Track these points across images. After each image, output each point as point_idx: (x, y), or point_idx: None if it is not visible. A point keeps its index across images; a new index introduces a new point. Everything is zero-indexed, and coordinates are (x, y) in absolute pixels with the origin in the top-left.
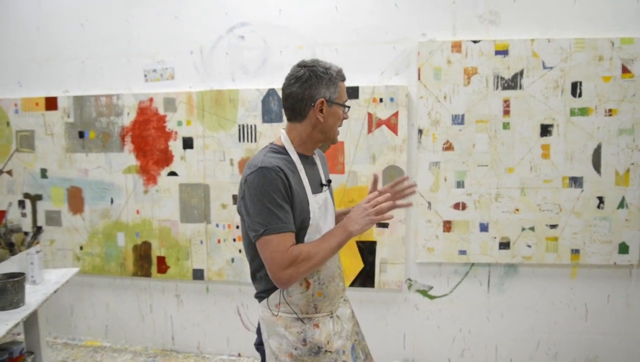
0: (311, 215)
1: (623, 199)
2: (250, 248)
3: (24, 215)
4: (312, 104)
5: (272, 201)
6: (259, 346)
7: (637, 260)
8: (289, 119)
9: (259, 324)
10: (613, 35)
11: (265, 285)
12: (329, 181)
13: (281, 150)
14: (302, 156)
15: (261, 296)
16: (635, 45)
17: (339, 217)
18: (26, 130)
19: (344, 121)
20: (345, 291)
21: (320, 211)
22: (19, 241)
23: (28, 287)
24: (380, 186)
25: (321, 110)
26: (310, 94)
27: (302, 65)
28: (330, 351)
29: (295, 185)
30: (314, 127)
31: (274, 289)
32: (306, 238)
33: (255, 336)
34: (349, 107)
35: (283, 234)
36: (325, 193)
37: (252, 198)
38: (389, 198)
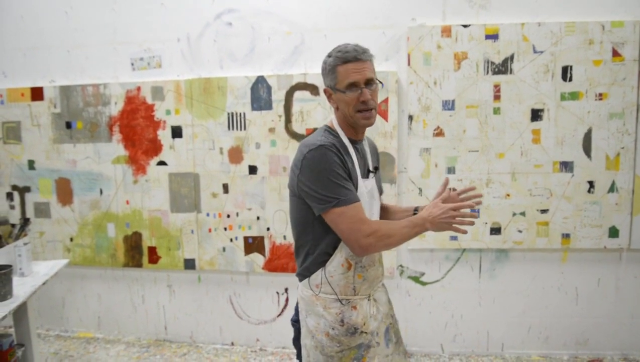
0: (359, 197)
1: (613, 183)
2: (298, 225)
3: (12, 207)
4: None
5: (336, 176)
6: (295, 322)
7: (626, 244)
8: None
9: (297, 302)
10: (603, 18)
11: (306, 263)
12: (376, 168)
13: (334, 133)
14: (351, 140)
15: (303, 274)
16: (626, 28)
17: (400, 213)
18: (12, 121)
19: None
20: (383, 276)
21: (369, 196)
22: (6, 234)
23: (16, 280)
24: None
25: (331, 98)
26: (324, 85)
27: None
28: (365, 332)
29: (349, 165)
30: (339, 112)
31: (316, 269)
32: None
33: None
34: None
35: (356, 204)
36: (372, 180)
37: (315, 174)
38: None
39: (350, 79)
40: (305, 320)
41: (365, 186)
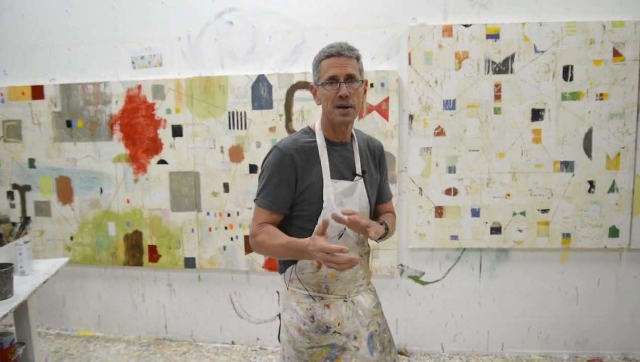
0: (324, 197)
1: (614, 183)
2: None
3: (12, 206)
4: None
5: (271, 178)
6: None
7: (627, 243)
8: None
9: None
10: (604, 18)
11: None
12: (364, 172)
13: (310, 133)
14: (330, 141)
15: (281, 269)
16: (627, 28)
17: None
18: (12, 119)
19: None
20: (367, 279)
21: (338, 198)
22: (6, 232)
23: (17, 278)
24: None
25: (316, 95)
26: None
27: None
28: (339, 333)
29: (308, 169)
30: (322, 111)
31: (290, 264)
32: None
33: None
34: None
35: (263, 209)
36: (354, 182)
37: (262, 170)
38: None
39: (329, 73)
40: (282, 313)
41: (335, 188)
